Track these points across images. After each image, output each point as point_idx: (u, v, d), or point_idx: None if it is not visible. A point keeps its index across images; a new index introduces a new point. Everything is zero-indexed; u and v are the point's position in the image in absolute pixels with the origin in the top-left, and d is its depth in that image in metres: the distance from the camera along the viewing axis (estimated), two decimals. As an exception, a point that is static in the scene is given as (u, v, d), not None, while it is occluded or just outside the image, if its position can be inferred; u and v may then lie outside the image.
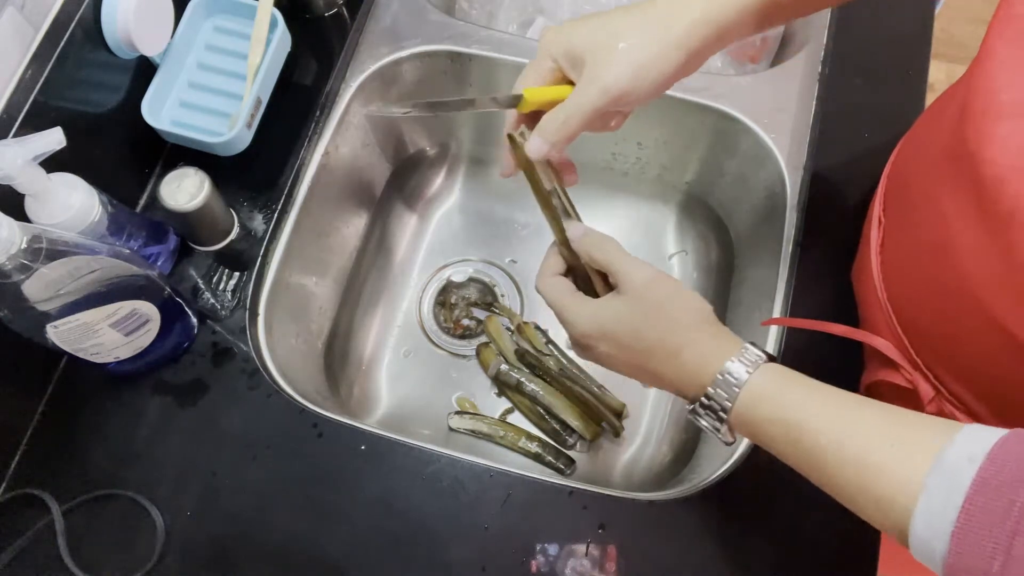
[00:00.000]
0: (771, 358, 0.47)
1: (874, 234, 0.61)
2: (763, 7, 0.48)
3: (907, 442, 0.39)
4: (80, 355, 0.59)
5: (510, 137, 0.54)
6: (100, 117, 0.68)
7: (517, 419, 0.85)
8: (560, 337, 0.88)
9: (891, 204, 0.60)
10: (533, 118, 0.52)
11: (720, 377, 0.46)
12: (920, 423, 0.41)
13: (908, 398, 0.57)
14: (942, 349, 0.54)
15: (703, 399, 0.47)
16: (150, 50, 0.68)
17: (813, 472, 0.44)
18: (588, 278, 0.55)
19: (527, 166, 0.54)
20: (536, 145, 0.51)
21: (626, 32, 0.48)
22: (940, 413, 0.55)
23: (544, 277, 0.55)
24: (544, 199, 0.55)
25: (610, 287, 0.52)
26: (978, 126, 0.44)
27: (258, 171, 0.75)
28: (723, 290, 0.87)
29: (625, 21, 0.48)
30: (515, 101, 0.52)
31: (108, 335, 0.58)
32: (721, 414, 0.47)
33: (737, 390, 0.46)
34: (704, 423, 0.48)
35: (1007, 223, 0.42)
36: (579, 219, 0.55)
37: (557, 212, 0.55)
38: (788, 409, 0.44)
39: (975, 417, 0.53)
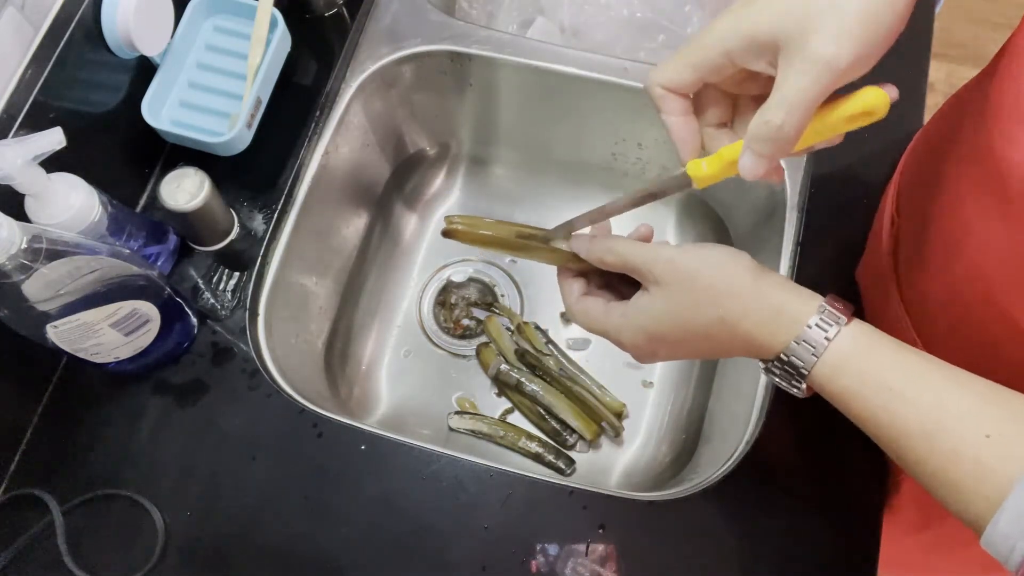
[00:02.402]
0: (850, 312, 0.43)
1: (886, 234, 0.61)
2: None
3: (1003, 433, 0.37)
4: (80, 355, 0.59)
5: (448, 220, 0.54)
6: (100, 117, 0.68)
7: (517, 419, 0.85)
8: (560, 337, 0.88)
9: (905, 204, 0.60)
10: None
11: (795, 344, 0.42)
12: (1019, 409, 0.39)
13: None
14: (959, 351, 0.53)
15: (777, 361, 0.44)
16: (150, 50, 0.68)
17: (893, 449, 0.41)
18: (609, 282, 0.52)
19: (480, 240, 0.54)
20: (751, 165, 0.41)
21: None
22: None
23: (571, 305, 0.52)
24: (518, 245, 0.54)
25: (636, 283, 0.49)
26: (1006, 128, 0.43)
27: (258, 171, 0.75)
28: (723, 290, 0.87)
29: None
30: (684, 181, 0.45)
31: (108, 335, 0.58)
32: (798, 376, 0.43)
33: (815, 358, 0.42)
34: (779, 381, 0.45)
35: None
36: (563, 236, 0.53)
37: (541, 243, 0.53)
38: (872, 384, 0.41)
39: None
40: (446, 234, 0.55)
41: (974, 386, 0.41)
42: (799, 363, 0.43)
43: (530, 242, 0.54)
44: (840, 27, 0.36)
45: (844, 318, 0.43)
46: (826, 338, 0.42)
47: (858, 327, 0.43)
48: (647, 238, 0.52)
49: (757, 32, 0.38)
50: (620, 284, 0.52)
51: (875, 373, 0.41)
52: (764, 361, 0.46)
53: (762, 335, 0.44)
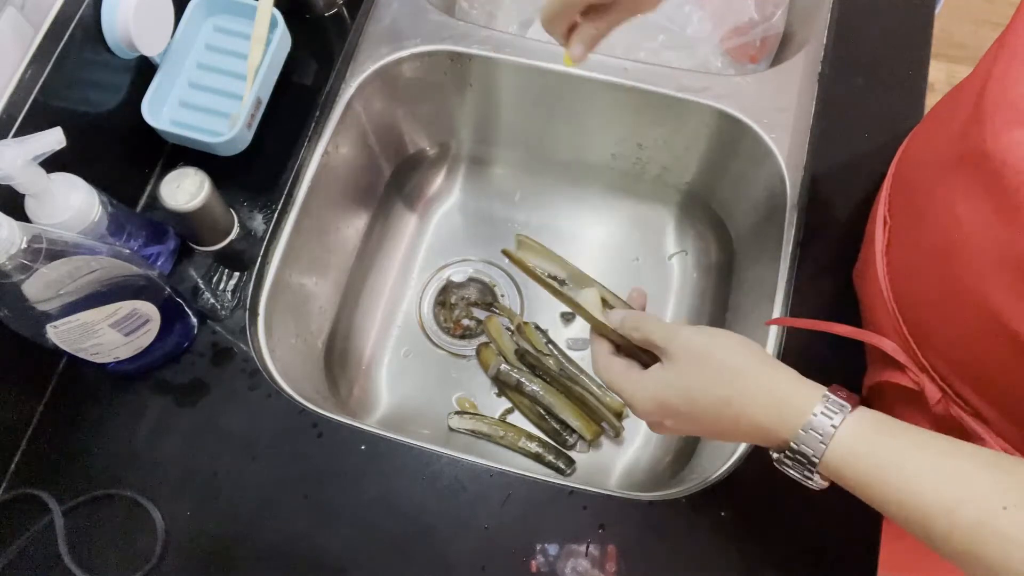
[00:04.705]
0: (855, 400, 0.45)
1: (879, 235, 0.61)
2: None
3: (1018, 504, 0.38)
4: (80, 355, 0.59)
5: (517, 237, 0.60)
6: (100, 117, 0.68)
7: (517, 419, 0.85)
8: (560, 337, 0.88)
9: (897, 205, 0.60)
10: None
11: (803, 432, 0.44)
12: None
13: (914, 400, 0.56)
14: (950, 351, 0.53)
15: (788, 451, 0.45)
16: (150, 50, 0.68)
17: (916, 530, 0.42)
18: (635, 352, 0.55)
19: (527, 271, 0.59)
20: (581, 51, 0.55)
21: None
22: (947, 415, 0.55)
23: (598, 361, 0.55)
24: (561, 296, 0.59)
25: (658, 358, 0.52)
26: (999, 131, 0.43)
27: (258, 171, 0.75)
28: (723, 290, 0.87)
29: None
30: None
31: (108, 335, 0.58)
32: (810, 466, 0.45)
33: (824, 446, 0.44)
34: (793, 473, 0.46)
35: None
36: (612, 305, 0.58)
37: (594, 312, 0.57)
38: (884, 466, 0.42)
39: (982, 420, 0.53)
40: (507, 253, 0.60)
41: (979, 457, 0.41)
42: (809, 451, 0.44)
43: (573, 302, 0.58)
44: None
45: (848, 406, 0.44)
46: (832, 425, 0.44)
47: (864, 413, 0.44)
48: (641, 301, 0.58)
49: None
50: (645, 355, 0.54)
51: (887, 455, 0.43)
52: (777, 452, 0.47)
53: (768, 421, 0.46)
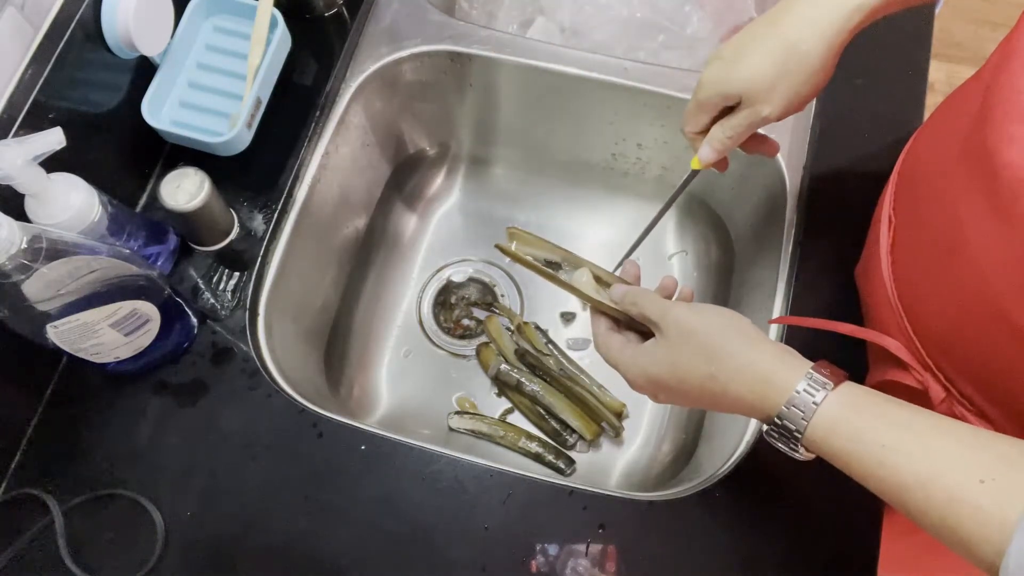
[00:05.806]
0: (840, 377, 0.46)
1: (884, 234, 0.61)
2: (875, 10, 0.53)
3: (995, 478, 0.38)
4: (80, 355, 0.59)
5: (509, 231, 0.60)
6: (100, 117, 0.68)
7: (517, 419, 0.85)
8: (560, 337, 0.88)
9: (902, 204, 0.60)
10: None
11: (786, 409, 0.45)
12: (1009, 451, 0.40)
13: (918, 399, 0.56)
14: (954, 350, 0.54)
15: (773, 425, 0.46)
16: (150, 50, 0.68)
17: (896, 504, 0.43)
18: (633, 325, 0.56)
19: (522, 263, 0.59)
20: (705, 153, 0.59)
21: (772, 76, 0.54)
22: (950, 415, 0.55)
23: (597, 338, 0.57)
24: (560, 282, 0.59)
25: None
26: (999, 127, 0.43)
27: (258, 171, 0.75)
28: (723, 290, 0.87)
29: (768, 61, 0.54)
30: (691, 174, 0.63)
31: (108, 335, 0.58)
32: (795, 438, 0.46)
33: (805, 423, 0.45)
34: (780, 446, 0.48)
35: None
36: (611, 282, 0.58)
37: (588, 291, 0.58)
38: (865, 441, 0.43)
39: (986, 419, 0.53)
40: (499, 247, 0.60)
41: (960, 433, 0.42)
42: (792, 427, 0.46)
43: (567, 285, 0.59)
44: (776, 100, 0.55)
45: (831, 383, 0.45)
46: (814, 403, 0.45)
47: (848, 389, 0.45)
48: (671, 288, 0.58)
49: (734, 90, 0.56)
50: (644, 328, 0.56)
51: (867, 431, 0.43)
52: (766, 425, 0.48)
53: (752, 397, 0.47)
